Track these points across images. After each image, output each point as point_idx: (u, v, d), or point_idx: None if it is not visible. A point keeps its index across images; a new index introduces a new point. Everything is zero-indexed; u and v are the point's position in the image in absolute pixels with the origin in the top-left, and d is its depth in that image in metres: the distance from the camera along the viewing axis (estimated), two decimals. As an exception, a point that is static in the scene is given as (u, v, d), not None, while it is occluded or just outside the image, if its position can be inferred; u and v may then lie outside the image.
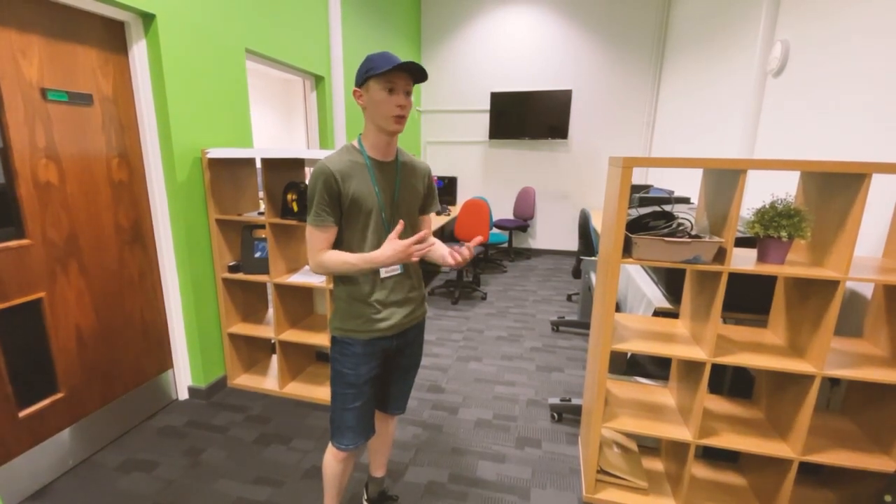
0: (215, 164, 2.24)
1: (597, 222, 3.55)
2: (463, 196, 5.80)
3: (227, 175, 2.33)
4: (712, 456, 1.85)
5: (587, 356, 2.21)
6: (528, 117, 5.38)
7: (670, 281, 1.92)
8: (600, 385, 1.58)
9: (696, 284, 1.61)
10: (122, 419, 2.07)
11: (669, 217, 1.51)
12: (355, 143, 1.23)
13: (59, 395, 1.80)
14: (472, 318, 3.56)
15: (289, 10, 2.87)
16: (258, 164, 2.50)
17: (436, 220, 4.18)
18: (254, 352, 2.65)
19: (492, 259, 5.44)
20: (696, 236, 1.42)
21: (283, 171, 2.29)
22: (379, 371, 1.33)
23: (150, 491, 1.73)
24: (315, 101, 3.45)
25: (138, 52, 1.97)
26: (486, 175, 5.84)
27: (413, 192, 1.28)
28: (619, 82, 5.15)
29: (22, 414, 1.67)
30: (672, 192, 3.38)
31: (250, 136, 2.60)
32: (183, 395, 2.38)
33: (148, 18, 1.95)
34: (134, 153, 2.04)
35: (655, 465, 1.85)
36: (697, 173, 3.43)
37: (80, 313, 1.86)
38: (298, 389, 2.42)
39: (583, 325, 3.32)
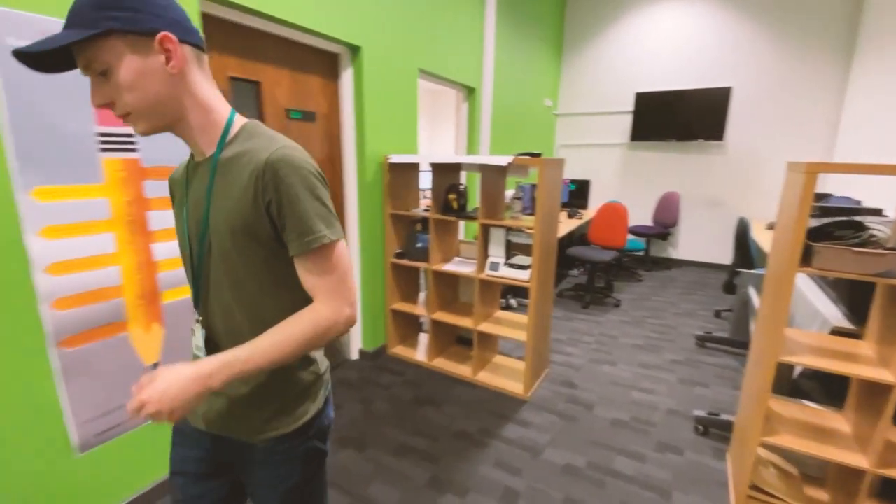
0: (393, 167, 2.67)
1: (758, 233, 3.23)
2: (596, 200, 5.69)
3: (400, 177, 2.76)
4: (890, 493, 1.63)
5: (743, 375, 2.10)
6: (676, 118, 5.06)
7: (854, 298, 1.74)
8: (761, 397, 1.53)
9: (888, 302, 1.46)
10: (314, 367, 2.63)
11: (859, 227, 1.41)
12: None
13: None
14: (604, 324, 3.55)
15: (453, 30, 3.23)
16: (421, 168, 2.90)
17: (567, 223, 4.23)
18: (407, 327, 3.07)
19: (626, 266, 5.25)
20: (894, 249, 1.31)
21: (446, 174, 2.63)
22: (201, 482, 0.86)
23: (337, 426, 2.19)
24: (466, 110, 3.80)
25: (346, 78, 2.48)
26: (623, 178, 5.64)
27: (235, 212, 0.70)
28: (793, 78, 4.53)
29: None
30: (859, 202, 2.92)
31: (416, 143, 3.02)
32: (354, 355, 2.89)
33: (355, 50, 2.44)
34: (337, 158, 2.57)
35: (819, 494, 1.70)
36: (890, 182, 2.91)
37: (296, 280, 2.42)
38: (443, 364, 2.75)
39: (735, 343, 3.07)
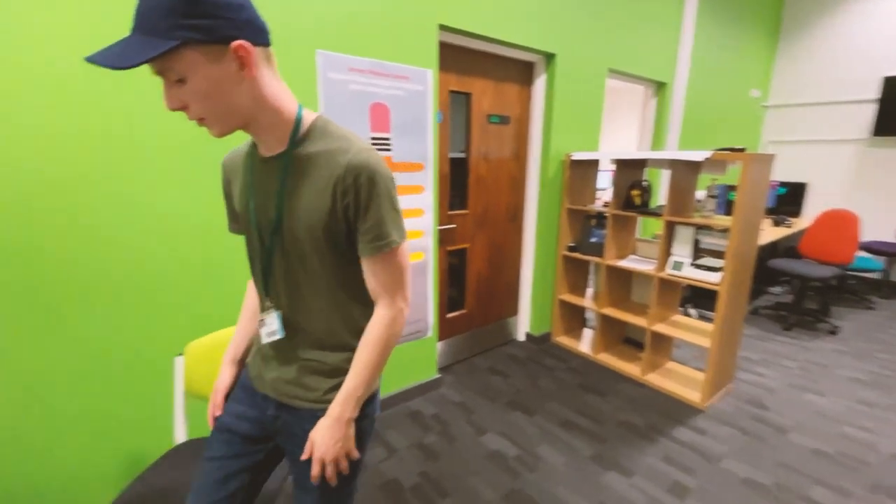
0: (574, 164, 2.83)
1: None
2: (814, 207, 4.76)
3: (579, 174, 2.89)
4: None
5: None
6: (953, 105, 3.88)
7: None
8: None
9: None
10: (488, 340, 2.98)
11: None
12: None
13: (463, 311, 2.79)
14: (812, 350, 3.03)
15: (646, 24, 3.18)
16: (600, 166, 2.96)
17: (771, 232, 3.68)
18: (572, 319, 3.19)
19: (851, 289, 4.28)
20: None
21: (629, 170, 2.66)
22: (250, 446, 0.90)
23: (507, 391, 2.48)
24: (654, 106, 3.67)
25: (538, 84, 2.73)
26: (857, 182, 4.57)
27: (313, 211, 0.75)
28: None
29: (448, 315, 2.71)
30: None
31: (598, 142, 3.10)
32: (521, 337, 3.15)
33: (549, 57, 2.66)
34: (522, 156, 2.85)
35: None
36: None
37: (481, 262, 2.79)
38: (609, 359, 2.80)
39: None
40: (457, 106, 2.45)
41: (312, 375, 0.83)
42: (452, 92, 2.38)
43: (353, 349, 0.83)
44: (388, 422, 2.19)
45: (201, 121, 0.68)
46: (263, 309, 0.84)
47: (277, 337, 0.83)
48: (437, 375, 2.50)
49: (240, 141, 1.53)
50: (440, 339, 2.67)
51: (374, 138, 1.93)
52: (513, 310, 3.10)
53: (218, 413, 0.92)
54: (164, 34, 0.59)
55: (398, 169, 2.03)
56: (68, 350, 1.37)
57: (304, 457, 0.81)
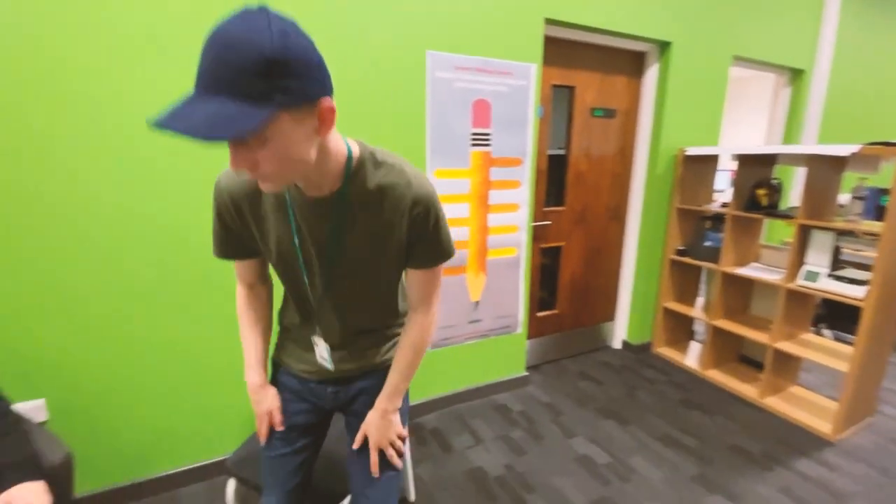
0: (688, 160, 2.60)
1: None
2: None
3: (693, 170, 2.65)
4: None
5: None
6: None
7: None
8: None
9: None
10: (580, 343, 2.88)
11: None
12: None
13: (555, 311, 2.73)
14: None
15: (778, 4, 2.81)
16: (720, 163, 2.69)
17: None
18: (678, 330, 2.94)
19: None
20: None
21: (754, 167, 2.37)
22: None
23: (599, 398, 2.37)
24: (788, 95, 3.22)
25: (650, 75, 2.57)
26: None
27: (378, 240, 0.80)
28: None
29: (538, 314, 2.67)
30: None
31: (718, 136, 2.81)
32: (616, 344, 2.99)
33: (664, 46, 2.48)
34: (628, 151, 2.70)
35: None
36: None
37: (576, 262, 2.71)
38: (719, 377, 2.53)
39: None
40: (559, 100, 2.40)
41: (369, 357, 0.96)
42: (555, 86, 2.34)
43: (397, 324, 0.98)
44: (475, 412, 2.23)
45: (259, 175, 0.62)
46: (314, 333, 0.92)
47: (328, 366, 0.92)
48: (525, 373, 2.48)
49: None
50: (529, 336, 2.65)
51: (474, 134, 1.98)
52: (608, 314, 2.95)
53: (281, 429, 0.96)
54: (258, 99, 0.52)
55: (496, 164, 2.06)
56: (215, 322, 1.63)
57: (355, 446, 0.94)
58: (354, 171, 0.74)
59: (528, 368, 2.65)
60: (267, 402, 0.95)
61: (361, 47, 1.69)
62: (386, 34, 1.72)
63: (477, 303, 2.20)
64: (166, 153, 1.47)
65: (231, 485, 1.34)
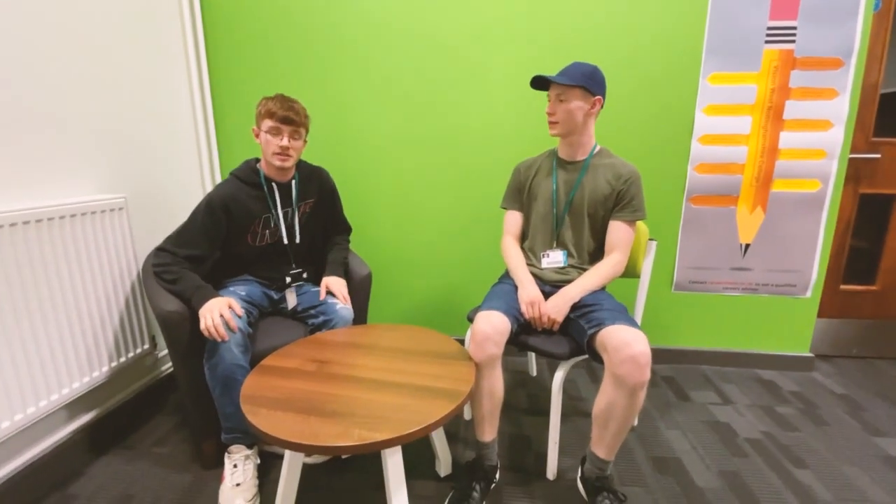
0: None
1: None
2: None
3: None
4: None
5: None
6: None
7: None
8: None
9: None
10: (914, 343, 2.00)
11: None
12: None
13: (873, 287, 1.98)
14: None
15: None
16: None
17: None
18: None
19: None
20: None
21: None
22: None
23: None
24: None
25: None
26: None
27: (598, 194, 1.30)
28: None
29: (843, 287, 1.99)
30: None
31: None
32: None
33: None
34: None
35: None
36: None
37: (925, 221, 1.88)
38: None
39: None
40: (925, -18, 1.70)
41: (573, 275, 1.32)
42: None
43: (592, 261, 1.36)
44: (727, 377, 1.87)
45: (553, 123, 1.26)
46: (551, 248, 1.36)
47: (560, 265, 1.35)
48: (809, 354, 1.91)
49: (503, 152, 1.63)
50: (822, 314, 2.01)
51: (770, 28, 1.61)
52: (982, 312, 1.94)
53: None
54: (577, 80, 1.19)
55: (801, 65, 1.62)
56: (471, 215, 1.90)
57: (528, 307, 1.26)
58: (595, 154, 1.32)
59: (817, 357, 2.03)
60: (535, 290, 1.27)
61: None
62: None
63: (747, 245, 1.81)
64: (505, 117, 1.81)
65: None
